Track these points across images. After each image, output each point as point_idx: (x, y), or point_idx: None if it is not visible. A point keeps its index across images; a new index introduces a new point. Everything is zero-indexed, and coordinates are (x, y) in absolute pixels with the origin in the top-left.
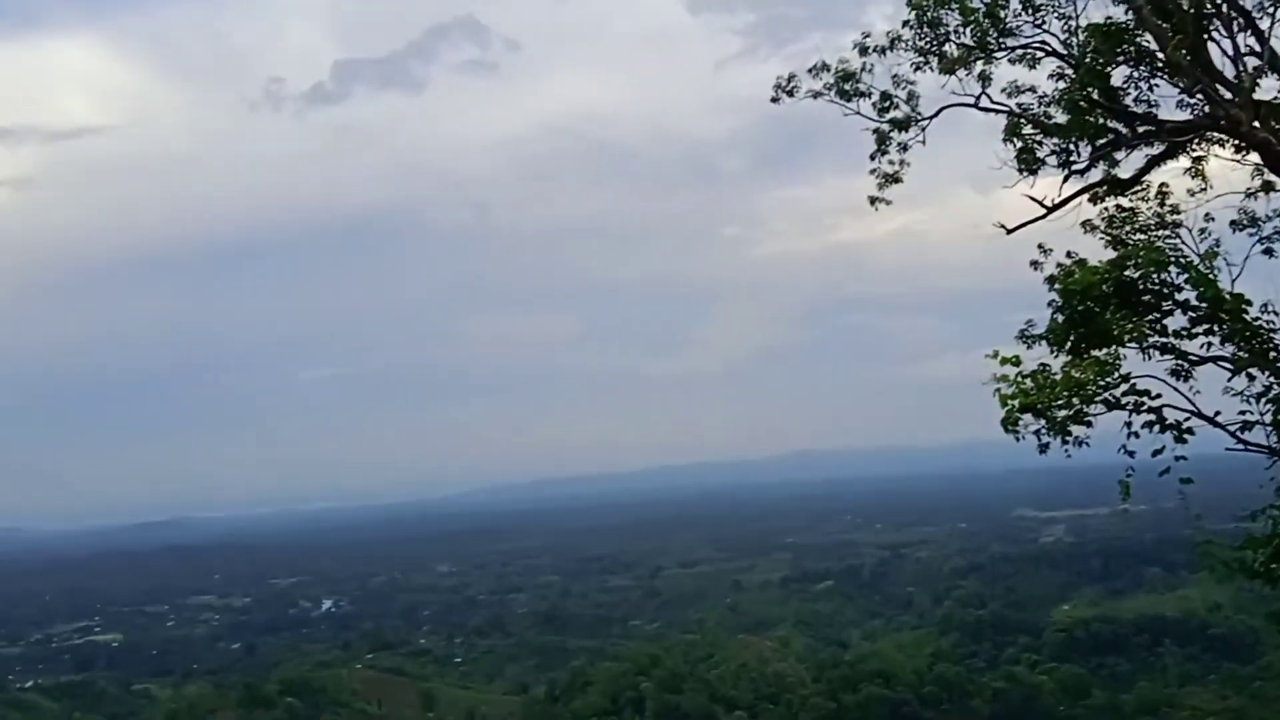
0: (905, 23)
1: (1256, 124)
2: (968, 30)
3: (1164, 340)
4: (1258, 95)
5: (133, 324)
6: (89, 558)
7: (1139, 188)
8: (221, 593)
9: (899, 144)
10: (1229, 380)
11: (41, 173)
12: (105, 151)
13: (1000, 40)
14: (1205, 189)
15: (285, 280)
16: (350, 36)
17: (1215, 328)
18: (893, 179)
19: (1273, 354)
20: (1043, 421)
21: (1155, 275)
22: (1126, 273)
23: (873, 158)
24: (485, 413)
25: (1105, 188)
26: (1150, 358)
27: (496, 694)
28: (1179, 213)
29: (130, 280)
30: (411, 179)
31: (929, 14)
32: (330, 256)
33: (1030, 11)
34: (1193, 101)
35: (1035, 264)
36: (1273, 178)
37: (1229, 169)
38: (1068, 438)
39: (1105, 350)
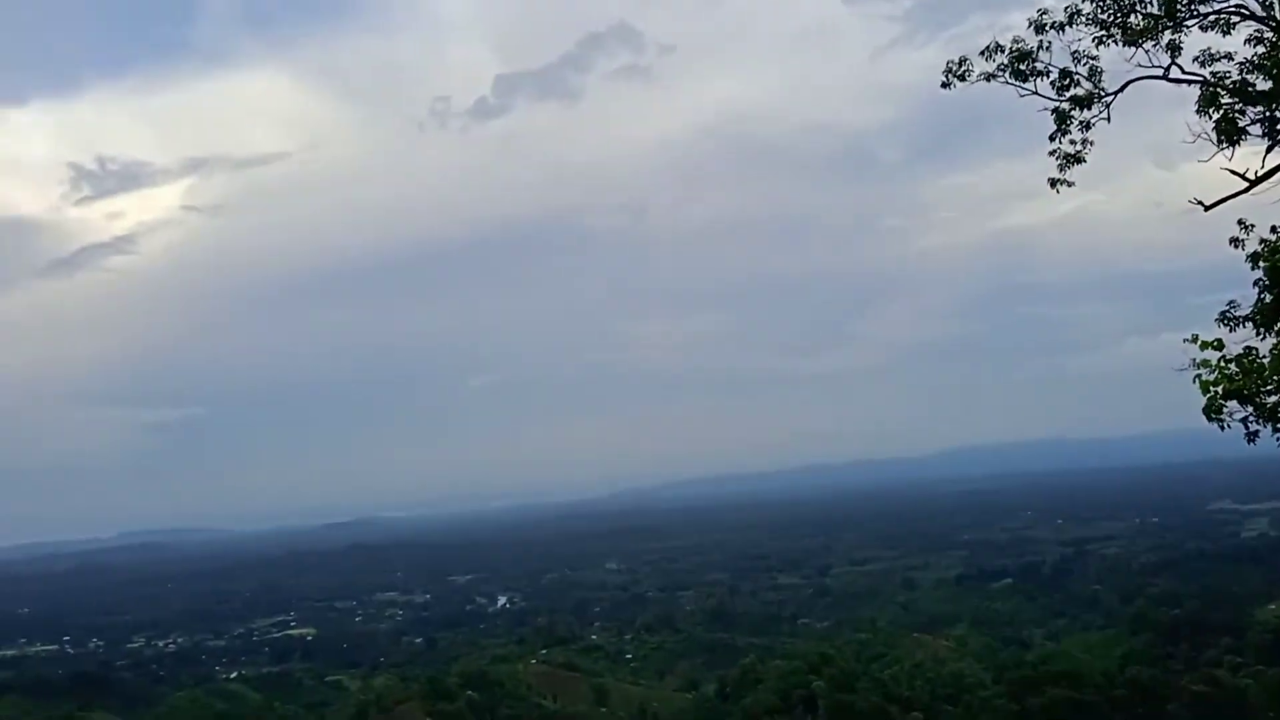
0: None
1: None
2: None
3: None
4: None
5: (316, 337)
6: (284, 556)
7: None
8: (404, 589)
9: (1081, 122)
10: None
11: (232, 198)
12: (287, 176)
13: (1191, 6)
14: None
15: (453, 290)
16: (510, 50)
17: None
18: (1074, 159)
19: None
20: (1250, 408)
21: None
22: None
23: (1053, 138)
24: (647, 413)
25: None
26: None
27: (667, 690)
28: None
29: (312, 295)
30: (569, 187)
31: None
32: (494, 266)
33: None
34: None
35: (1236, 241)
36: None
37: None
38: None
39: None
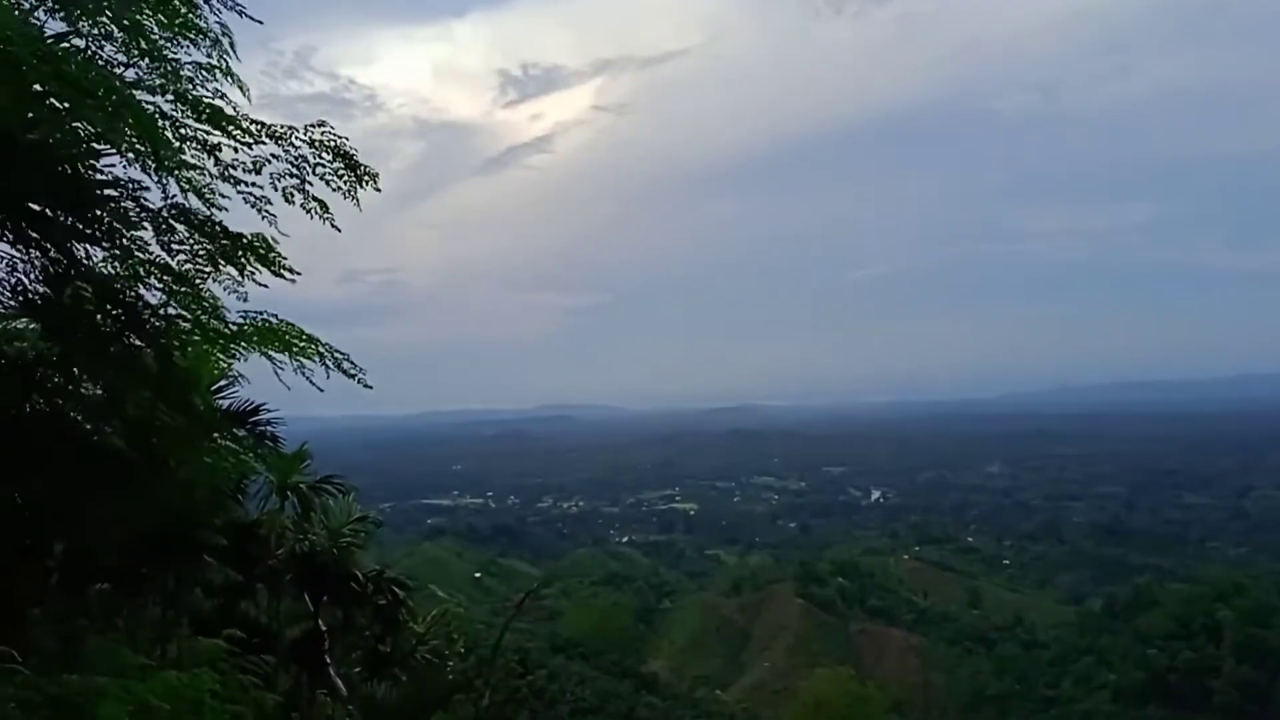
0: None
1: None
2: None
3: None
4: None
5: (710, 228)
6: (671, 435)
7: None
8: (780, 475)
9: None
10: None
11: (637, 97)
12: (688, 72)
13: None
14: None
15: (843, 179)
16: None
17: None
18: None
19: None
20: None
21: None
22: None
23: None
24: (1047, 310)
25: None
26: None
27: (1047, 601)
28: None
29: (709, 188)
30: (972, 66)
31: None
32: (887, 153)
33: None
34: None
35: None
36: None
37: None
38: None
39: None
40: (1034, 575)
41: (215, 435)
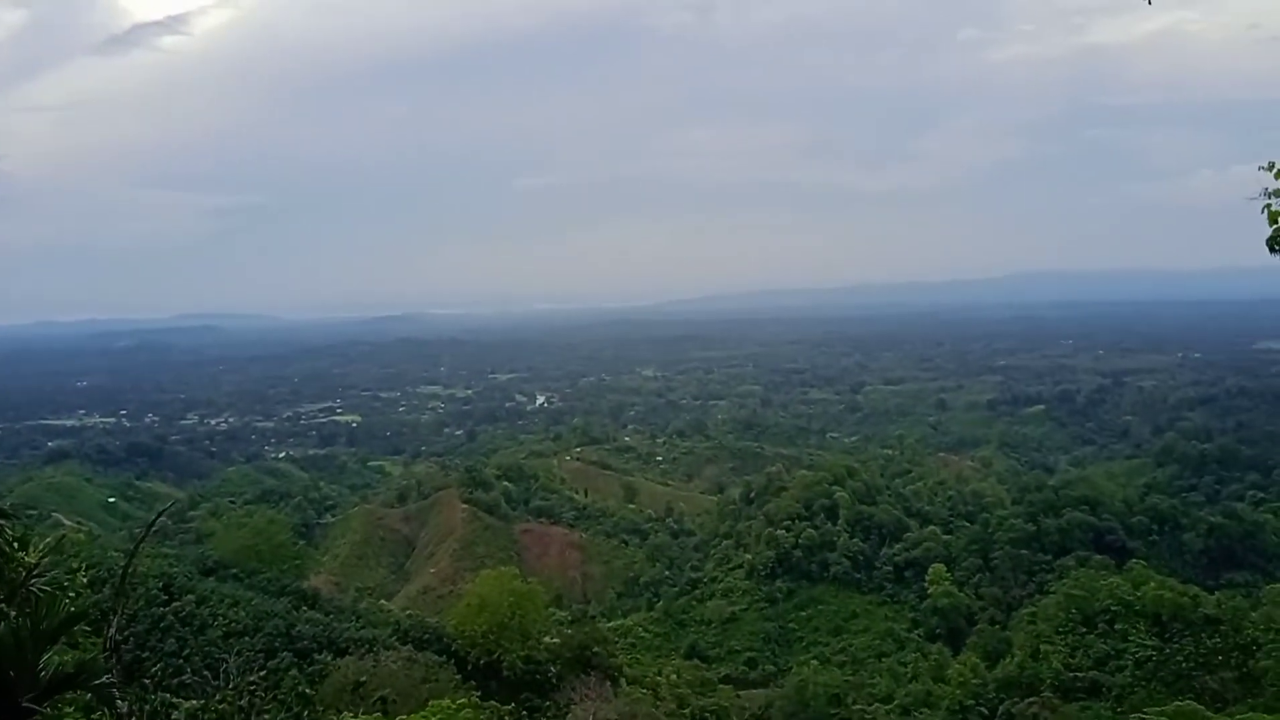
0: None
1: None
2: None
3: None
4: None
5: (372, 128)
6: (333, 346)
7: None
8: (447, 384)
9: None
10: None
11: None
12: None
13: None
14: None
15: (508, 86)
16: None
17: None
18: None
19: None
20: None
21: None
22: None
23: None
24: (697, 225)
25: None
26: None
27: (694, 492)
28: None
29: (371, 85)
30: None
31: None
32: (550, 62)
33: None
34: None
35: None
36: None
37: None
38: None
39: None
40: (683, 469)
41: None
